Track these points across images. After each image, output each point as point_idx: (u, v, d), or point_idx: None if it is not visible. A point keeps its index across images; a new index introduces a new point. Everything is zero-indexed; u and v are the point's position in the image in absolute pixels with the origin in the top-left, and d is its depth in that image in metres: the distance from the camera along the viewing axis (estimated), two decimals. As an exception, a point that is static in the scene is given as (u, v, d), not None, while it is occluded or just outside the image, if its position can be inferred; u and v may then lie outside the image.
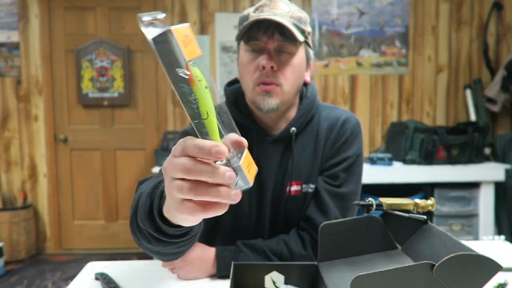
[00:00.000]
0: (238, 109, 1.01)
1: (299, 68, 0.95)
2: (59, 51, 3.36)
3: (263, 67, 0.90)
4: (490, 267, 0.62)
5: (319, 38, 3.37)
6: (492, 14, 3.34)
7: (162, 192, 0.60)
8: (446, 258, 0.60)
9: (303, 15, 0.95)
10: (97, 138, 3.44)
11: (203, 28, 3.35)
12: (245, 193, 1.00)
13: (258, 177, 1.00)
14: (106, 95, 3.35)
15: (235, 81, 1.09)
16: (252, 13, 0.92)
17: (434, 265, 0.60)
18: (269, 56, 0.90)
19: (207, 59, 3.36)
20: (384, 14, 3.36)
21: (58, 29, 3.35)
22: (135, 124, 3.45)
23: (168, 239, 0.63)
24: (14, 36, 3.31)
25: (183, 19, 3.35)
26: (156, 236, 0.63)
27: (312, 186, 1.01)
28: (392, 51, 3.39)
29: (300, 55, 0.94)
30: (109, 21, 3.36)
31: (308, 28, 0.96)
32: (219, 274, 0.95)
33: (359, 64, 3.40)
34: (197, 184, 0.44)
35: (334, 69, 3.40)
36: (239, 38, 0.94)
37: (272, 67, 0.90)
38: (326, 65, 3.39)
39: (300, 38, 0.89)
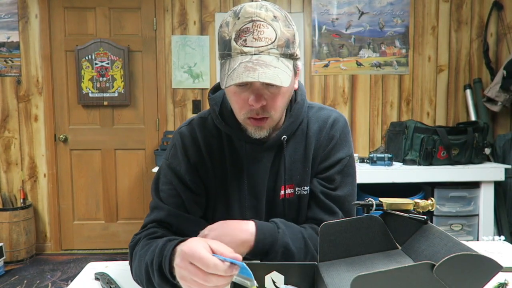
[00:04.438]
0: (225, 120, 0.98)
1: (289, 90, 0.91)
2: (59, 51, 3.36)
3: (252, 105, 0.85)
4: (490, 267, 0.62)
5: (319, 38, 3.37)
6: (492, 14, 3.35)
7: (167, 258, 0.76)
8: (446, 258, 0.60)
9: (290, 32, 0.84)
10: (97, 138, 3.44)
11: (203, 28, 3.35)
12: (240, 201, 0.99)
13: (251, 184, 0.99)
14: (106, 95, 3.35)
15: (219, 86, 1.04)
16: (233, 42, 0.82)
17: (434, 265, 0.60)
18: (258, 95, 0.84)
19: (207, 59, 3.37)
20: (384, 14, 3.36)
21: (58, 29, 3.35)
22: (135, 124, 3.45)
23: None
24: (14, 36, 3.31)
25: (183, 19, 3.35)
26: None
27: (306, 188, 1.00)
28: (392, 51, 3.39)
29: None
30: (109, 21, 3.36)
31: (296, 45, 0.87)
32: (256, 248, 0.87)
33: (359, 64, 3.40)
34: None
35: (334, 69, 3.40)
36: (223, 75, 0.84)
37: (261, 104, 0.86)
38: (326, 65, 3.39)
39: (287, 81, 0.82)
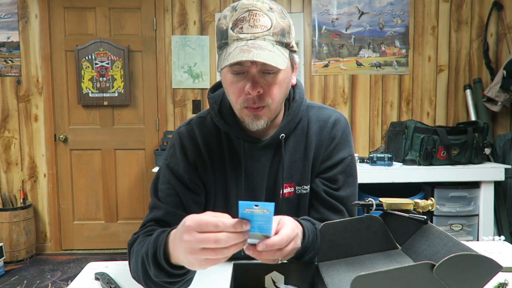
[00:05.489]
0: (224, 119, 0.98)
1: (286, 81, 0.91)
2: (59, 51, 3.36)
3: (249, 93, 0.85)
4: (490, 267, 0.62)
5: (319, 38, 3.37)
6: (492, 14, 3.34)
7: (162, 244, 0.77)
8: (446, 258, 0.60)
9: (286, 23, 0.86)
10: (97, 138, 3.44)
11: (203, 28, 3.35)
12: (238, 199, 0.99)
13: (250, 183, 0.99)
14: (106, 95, 3.35)
15: (218, 85, 1.05)
16: (230, 30, 0.84)
17: (434, 265, 0.60)
18: (254, 82, 0.85)
19: (207, 59, 3.36)
20: (384, 14, 3.36)
21: (58, 29, 3.35)
22: (135, 124, 3.45)
23: (179, 277, 0.80)
24: (14, 36, 3.31)
25: (183, 19, 3.35)
26: (170, 280, 0.79)
27: (306, 187, 1.01)
28: (392, 51, 3.39)
29: (285, 69, 0.88)
30: (109, 21, 3.36)
31: (292, 36, 0.89)
32: (304, 244, 0.83)
33: (359, 64, 3.40)
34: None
35: (334, 69, 3.40)
36: (220, 61, 0.86)
37: (258, 92, 0.86)
38: (326, 65, 3.39)
39: (283, 65, 0.83)
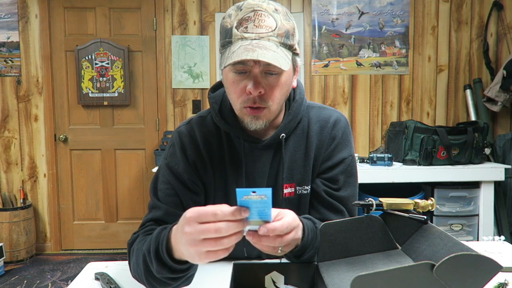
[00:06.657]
0: (224, 119, 0.98)
1: (287, 83, 0.91)
2: (59, 51, 3.36)
3: (250, 92, 0.85)
4: (490, 267, 0.62)
5: (319, 38, 3.37)
6: (492, 14, 3.34)
7: (165, 240, 0.78)
8: (446, 258, 0.60)
9: (290, 25, 0.87)
10: (97, 138, 3.44)
11: (203, 28, 3.35)
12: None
13: (250, 183, 0.99)
14: (106, 95, 3.35)
15: (219, 85, 1.05)
16: (235, 29, 0.84)
17: (434, 265, 0.60)
18: (256, 81, 0.85)
19: (207, 59, 3.36)
20: (384, 14, 3.36)
21: (58, 29, 3.35)
22: (135, 124, 3.45)
23: (182, 273, 0.79)
24: (14, 36, 3.31)
25: (183, 19, 3.35)
26: (173, 276, 0.79)
27: (307, 187, 1.01)
28: (392, 51, 3.39)
29: (287, 71, 0.88)
30: (109, 21, 3.36)
31: (296, 39, 0.89)
32: (304, 241, 0.84)
33: (359, 64, 3.40)
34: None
35: (334, 69, 3.40)
36: (223, 59, 0.86)
37: (259, 92, 0.86)
38: (326, 65, 3.39)
39: (286, 66, 0.83)
